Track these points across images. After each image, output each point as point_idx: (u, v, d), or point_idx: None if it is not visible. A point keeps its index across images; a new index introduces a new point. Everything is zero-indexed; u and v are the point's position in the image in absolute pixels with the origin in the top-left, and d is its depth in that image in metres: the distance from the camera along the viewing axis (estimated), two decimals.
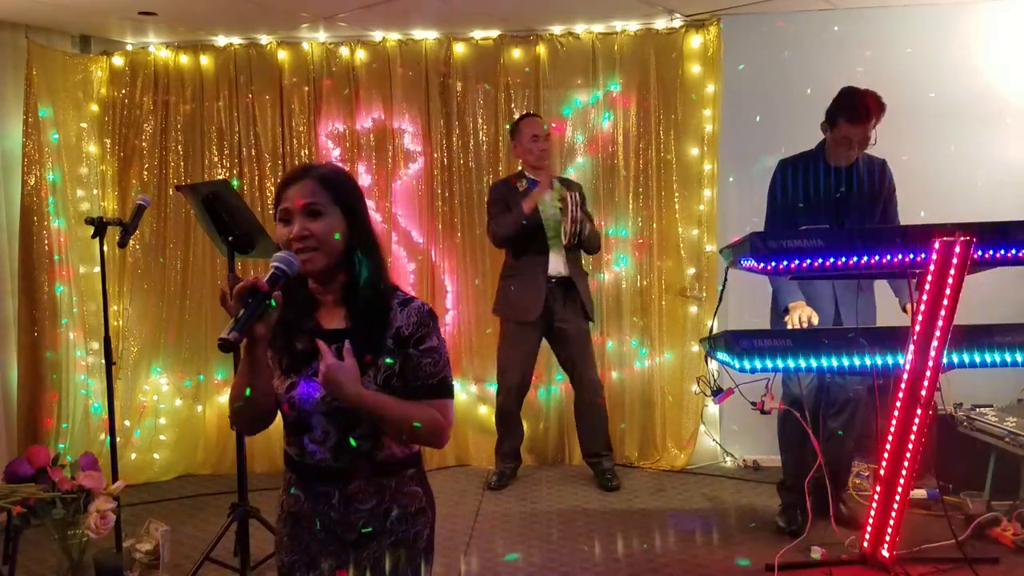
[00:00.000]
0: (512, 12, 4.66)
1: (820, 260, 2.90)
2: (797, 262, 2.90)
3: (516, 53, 4.88)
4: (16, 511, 3.02)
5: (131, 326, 4.89)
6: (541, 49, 4.86)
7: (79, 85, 4.78)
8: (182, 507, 4.33)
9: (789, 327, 3.43)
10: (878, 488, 3.18)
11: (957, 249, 2.86)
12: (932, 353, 2.95)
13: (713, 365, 3.53)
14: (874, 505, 3.22)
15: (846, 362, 3.04)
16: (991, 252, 2.93)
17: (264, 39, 4.92)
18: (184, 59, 4.92)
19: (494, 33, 4.90)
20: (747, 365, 2.99)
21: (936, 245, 2.89)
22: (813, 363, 3.04)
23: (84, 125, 4.83)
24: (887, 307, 3.64)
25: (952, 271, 2.88)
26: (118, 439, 3.83)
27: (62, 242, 4.60)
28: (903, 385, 3.04)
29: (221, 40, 4.93)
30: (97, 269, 4.25)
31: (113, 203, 4.91)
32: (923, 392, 2.98)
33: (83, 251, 4.70)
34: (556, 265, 4.35)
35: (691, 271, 4.83)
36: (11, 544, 3.18)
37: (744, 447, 4.80)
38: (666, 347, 4.87)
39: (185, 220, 4.89)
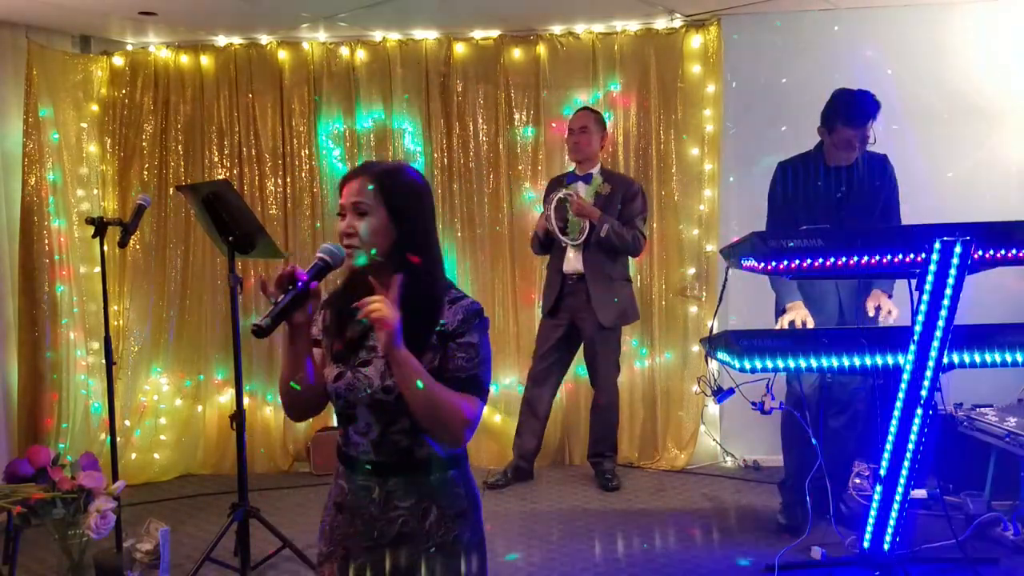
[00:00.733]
0: (512, 12, 4.66)
1: (820, 260, 2.90)
2: (797, 262, 2.90)
3: (516, 53, 4.89)
4: (16, 511, 3.01)
5: (131, 326, 4.89)
6: (541, 49, 4.87)
7: (79, 85, 4.78)
8: (182, 507, 4.33)
9: (778, 327, 3.43)
10: (878, 488, 3.17)
11: (957, 249, 2.86)
12: (932, 353, 2.95)
13: (713, 365, 3.53)
14: (874, 505, 3.21)
15: (846, 362, 3.04)
16: (991, 252, 2.93)
17: (264, 39, 4.92)
18: (184, 59, 4.92)
19: (494, 33, 4.90)
20: (747, 365, 2.99)
21: (936, 245, 2.89)
22: (813, 363, 3.04)
23: (84, 125, 4.83)
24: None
25: (952, 271, 2.88)
26: (118, 439, 3.83)
27: (62, 242, 4.60)
28: (903, 385, 3.04)
29: (221, 40, 4.93)
30: (97, 269, 4.25)
31: (113, 203, 4.91)
32: (923, 392, 2.98)
33: (83, 251, 4.70)
34: (573, 263, 4.35)
35: (691, 271, 4.83)
36: (11, 544, 3.18)
37: (744, 447, 4.80)
38: (666, 347, 4.87)
39: (185, 220, 4.89)
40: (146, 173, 4.90)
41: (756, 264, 2.96)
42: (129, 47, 4.97)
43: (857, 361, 3.05)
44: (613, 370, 4.48)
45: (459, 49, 4.90)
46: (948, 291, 2.89)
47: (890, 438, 3.10)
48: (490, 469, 4.66)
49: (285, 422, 4.94)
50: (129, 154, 4.90)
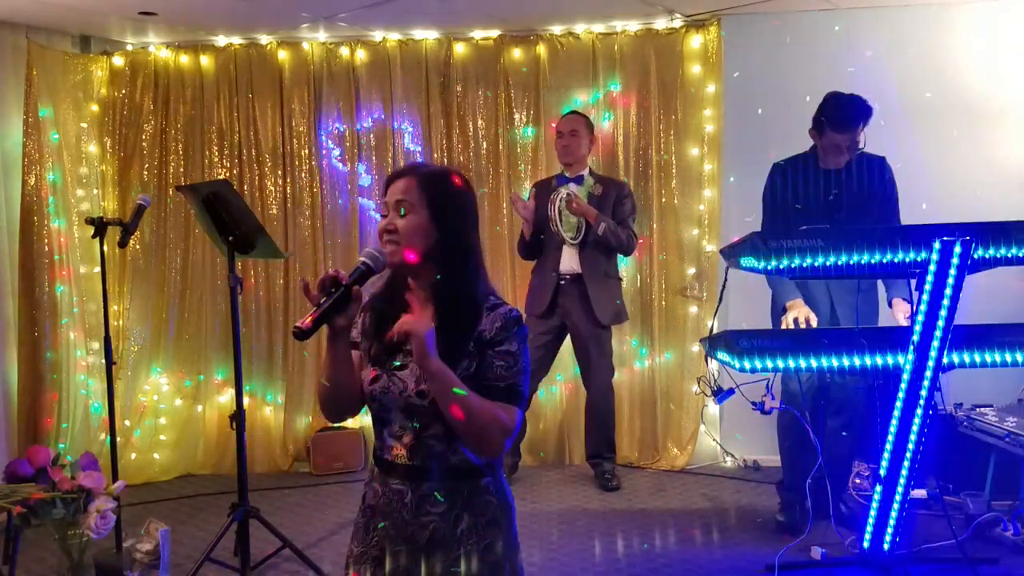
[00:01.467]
0: (512, 12, 4.66)
1: (820, 260, 2.90)
2: (797, 262, 2.90)
3: (516, 53, 4.89)
4: (16, 511, 3.01)
5: (131, 326, 4.89)
6: (541, 49, 4.87)
7: (79, 85, 4.78)
8: (182, 507, 4.33)
9: (783, 327, 3.43)
10: (878, 488, 3.18)
11: (957, 249, 2.86)
12: (932, 353, 2.95)
13: (713, 365, 3.53)
14: (874, 505, 3.21)
15: (846, 362, 3.04)
16: (991, 252, 2.93)
17: (264, 39, 4.92)
18: (184, 59, 4.92)
19: (494, 33, 4.90)
20: (747, 365, 2.99)
21: (936, 245, 2.89)
22: (813, 363, 3.04)
23: (84, 125, 4.83)
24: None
25: (952, 271, 2.88)
26: (118, 439, 3.83)
27: (62, 242, 4.60)
28: (903, 385, 3.04)
29: (221, 40, 4.93)
30: (97, 269, 4.25)
31: (113, 203, 4.91)
32: (923, 392, 2.98)
33: (83, 251, 4.70)
34: (568, 262, 4.36)
35: (691, 271, 4.83)
36: (11, 544, 3.18)
37: (744, 447, 4.80)
38: (666, 347, 4.87)
39: (185, 220, 4.89)
40: (146, 173, 4.90)
41: (756, 264, 2.96)
42: (129, 47, 4.97)
43: (857, 361, 3.05)
44: (608, 371, 4.49)
45: (459, 49, 4.90)
46: (948, 291, 2.89)
47: (890, 438, 3.10)
48: None
49: (285, 422, 4.94)
50: (129, 154, 4.90)
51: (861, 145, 3.50)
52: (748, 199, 4.31)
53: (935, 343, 2.94)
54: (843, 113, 3.45)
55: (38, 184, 4.52)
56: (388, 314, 1.71)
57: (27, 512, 3.04)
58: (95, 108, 4.88)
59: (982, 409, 4.04)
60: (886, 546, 3.17)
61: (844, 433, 3.71)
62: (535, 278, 4.50)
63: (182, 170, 4.92)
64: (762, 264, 2.93)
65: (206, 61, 4.92)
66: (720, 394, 3.39)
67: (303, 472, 4.88)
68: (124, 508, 3.53)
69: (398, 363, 1.70)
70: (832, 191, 3.58)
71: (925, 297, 2.94)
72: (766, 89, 4.66)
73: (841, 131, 3.46)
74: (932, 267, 2.91)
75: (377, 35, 4.92)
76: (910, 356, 3.00)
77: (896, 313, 3.47)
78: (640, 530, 3.84)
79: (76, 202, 4.73)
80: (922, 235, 2.91)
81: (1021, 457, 3.66)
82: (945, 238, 2.88)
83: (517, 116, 4.90)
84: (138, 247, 4.88)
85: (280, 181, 4.94)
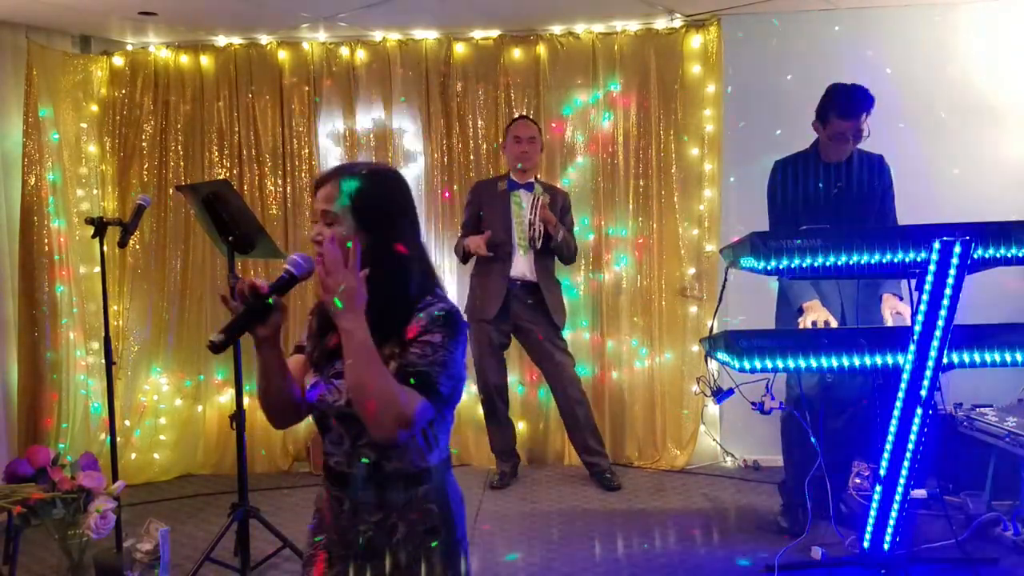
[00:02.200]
0: (512, 12, 4.66)
1: (820, 260, 2.90)
2: (797, 262, 2.90)
3: (516, 53, 4.89)
4: (16, 511, 3.02)
5: (131, 326, 4.89)
6: (541, 49, 4.87)
7: (79, 85, 4.78)
8: (182, 507, 4.33)
9: (800, 327, 3.42)
10: (878, 488, 3.17)
11: (957, 249, 2.86)
12: (932, 353, 2.95)
13: (713, 365, 3.53)
14: (874, 505, 3.21)
15: (846, 362, 3.04)
16: (991, 252, 2.93)
17: (264, 39, 4.92)
18: (184, 59, 4.92)
19: (494, 33, 4.90)
20: (747, 365, 2.99)
21: (936, 245, 2.89)
22: (813, 363, 3.04)
23: (84, 125, 4.83)
24: None
25: (952, 271, 2.88)
26: (118, 439, 3.83)
27: (62, 242, 4.60)
28: (903, 385, 3.04)
29: (221, 40, 4.93)
30: (97, 269, 4.25)
31: (113, 203, 4.91)
32: (923, 392, 2.98)
33: (83, 251, 4.70)
34: (520, 268, 4.37)
35: (691, 271, 4.83)
36: (11, 544, 3.18)
37: (744, 447, 4.80)
38: (666, 347, 4.87)
39: (185, 220, 4.89)
40: (146, 173, 4.90)
41: (756, 264, 2.96)
42: (129, 47, 4.97)
43: (857, 361, 3.05)
44: (574, 365, 4.52)
45: (459, 49, 4.90)
46: (948, 291, 2.89)
47: (890, 438, 3.10)
48: (490, 469, 4.67)
49: None
50: (129, 154, 4.90)
51: (865, 134, 3.51)
52: (748, 199, 4.32)
53: (935, 343, 2.93)
54: (848, 100, 3.48)
55: (38, 184, 4.52)
56: (328, 319, 1.65)
57: (27, 512, 3.05)
58: (95, 108, 4.88)
59: (982, 409, 4.03)
60: (886, 546, 3.17)
61: (844, 433, 3.71)
62: (481, 283, 4.43)
63: (182, 170, 4.92)
64: (762, 264, 2.93)
65: (206, 61, 4.93)
66: (720, 394, 3.39)
67: (303, 472, 4.88)
68: (124, 508, 3.54)
69: (337, 370, 1.64)
70: (836, 185, 3.59)
71: (925, 297, 2.94)
72: (766, 89, 4.66)
73: (846, 117, 3.47)
74: (932, 267, 2.90)
75: (377, 35, 4.92)
76: (910, 356, 3.00)
77: (884, 308, 3.47)
78: (640, 530, 3.84)
79: (76, 202, 4.73)
80: (922, 235, 2.91)
81: (1021, 457, 3.66)
82: (945, 238, 2.88)
83: (517, 116, 4.89)
84: (138, 247, 4.88)
85: (280, 181, 4.94)
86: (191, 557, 3.51)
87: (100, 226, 3.42)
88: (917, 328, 2.96)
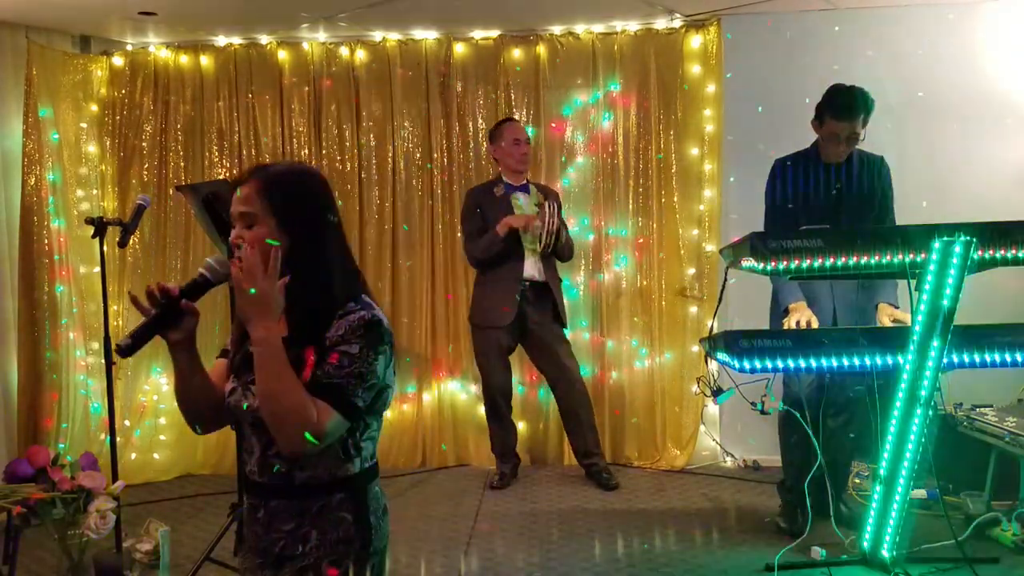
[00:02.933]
0: (512, 12, 4.66)
1: (820, 260, 2.90)
2: (797, 262, 2.90)
3: (516, 53, 4.89)
4: (16, 511, 3.02)
5: (131, 326, 4.86)
6: (541, 49, 4.87)
7: (79, 85, 4.78)
8: (182, 507, 4.33)
9: (784, 327, 3.43)
10: (878, 488, 3.18)
11: (957, 249, 2.86)
12: (932, 353, 2.95)
13: (713, 365, 3.53)
14: (874, 505, 3.22)
15: (846, 362, 3.04)
16: (991, 252, 2.93)
17: (264, 39, 4.92)
18: (184, 59, 4.92)
19: (494, 33, 4.90)
20: (747, 365, 2.99)
21: (936, 245, 2.89)
22: (813, 363, 3.04)
23: (84, 125, 4.83)
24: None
25: (952, 271, 2.88)
26: (118, 439, 3.83)
27: (62, 242, 4.60)
28: (903, 385, 3.04)
29: (221, 40, 4.93)
30: (97, 269, 4.25)
31: (113, 203, 4.91)
32: (923, 392, 2.98)
33: (83, 251, 4.70)
34: (530, 270, 4.37)
35: (691, 271, 4.83)
36: (11, 544, 3.18)
37: (744, 447, 4.79)
38: (666, 347, 4.87)
39: (185, 220, 4.89)
40: (146, 173, 4.90)
41: (755, 264, 2.96)
42: (129, 47, 4.97)
43: (857, 361, 3.05)
44: (577, 365, 4.54)
45: (459, 49, 4.90)
46: (948, 291, 2.89)
47: (890, 438, 3.10)
48: (490, 469, 4.67)
49: None
50: (129, 154, 4.90)
51: (861, 138, 3.51)
52: (748, 199, 4.32)
53: (935, 343, 2.94)
54: (844, 101, 3.46)
55: (38, 184, 4.52)
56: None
57: (27, 512, 3.05)
58: (95, 108, 4.88)
59: (982, 409, 4.03)
60: (886, 546, 3.17)
61: (843, 433, 3.71)
62: (492, 286, 4.40)
63: (182, 170, 4.92)
64: (762, 265, 2.93)
65: (206, 61, 4.93)
66: (720, 394, 3.39)
67: None
68: (124, 508, 3.53)
69: (252, 376, 1.58)
70: (835, 185, 3.59)
71: (925, 297, 2.94)
72: (766, 89, 4.66)
73: (840, 118, 3.46)
74: (932, 267, 2.91)
75: (377, 35, 4.92)
76: (910, 356, 3.00)
77: (881, 317, 3.47)
78: (640, 530, 3.84)
79: (76, 202, 4.73)
80: (922, 235, 2.91)
81: (1021, 457, 3.66)
82: (945, 238, 2.88)
83: (517, 116, 4.89)
84: (138, 247, 4.88)
85: None
86: (191, 557, 3.51)
87: (100, 226, 3.41)
88: (917, 328, 2.97)
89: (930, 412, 3.03)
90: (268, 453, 1.62)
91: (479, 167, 4.92)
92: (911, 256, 2.92)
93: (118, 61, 4.90)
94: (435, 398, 4.99)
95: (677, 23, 4.80)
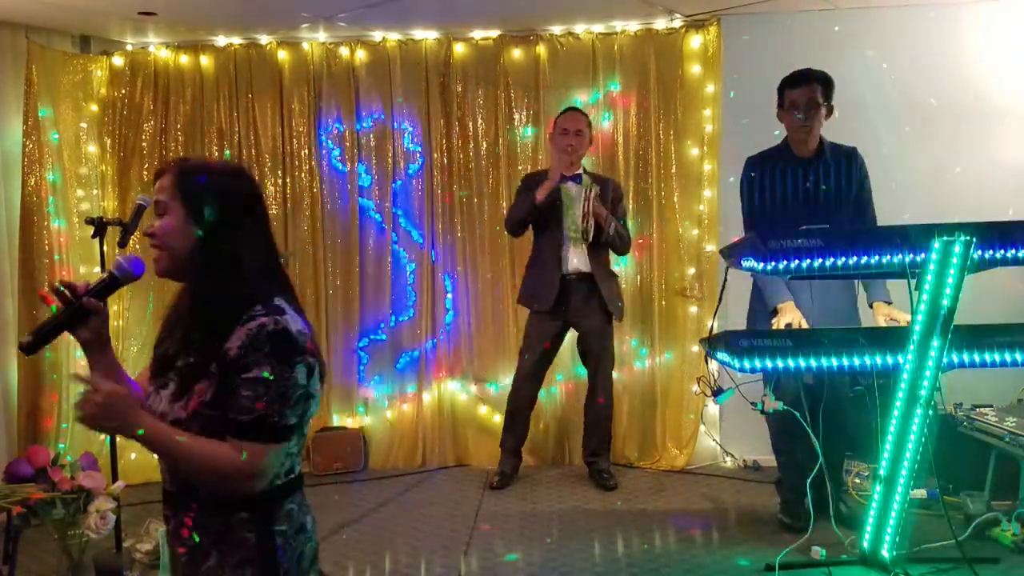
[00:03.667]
0: (512, 12, 4.66)
1: (820, 260, 2.90)
2: (797, 262, 2.91)
3: (516, 53, 4.88)
4: (16, 511, 3.02)
5: (131, 327, 4.88)
6: (541, 49, 4.86)
7: (79, 85, 4.78)
8: None
9: (773, 327, 3.42)
10: (878, 488, 3.18)
11: (957, 249, 2.86)
12: (932, 353, 2.95)
13: (713, 365, 3.53)
14: (874, 505, 3.22)
15: (846, 362, 3.04)
16: (991, 252, 2.94)
17: (264, 39, 4.92)
18: (184, 59, 4.92)
19: (494, 33, 4.90)
20: (747, 365, 2.99)
21: (936, 245, 2.89)
22: (813, 363, 3.04)
23: (84, 125, 4.83)
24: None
25: (952, 271, 2.88)
26: (118, 439, 3.82)
27: (62, 242, 4.60)
28: (903, 385, 3.04)
29: (221, 40, 4.93)
30: (97, 269, 4.24)
31: (113, 203, 4.91)
32: (923, 392, 2.98)
33: (83, 251, 4.70)
34: (574, 260, 4.34)
35: (691, 271, 4.83)
36: (11, 544, 3.18)
37: (744, 447, 4.79)
38: (666, 347, 4.87)
39: None
40: (146, 173, 4.89)
41: (755, 264, 2.96)
42: (129, 47, 4.97)
43: (857, 361, 3.05)
44: (612, 362, 4.52)
45: (459, 49, 4.90)
46: (948, 291, 2.89)
47: (890, 438, 3.10)
48: (490, 469, 4.66)
49: None
50: (129, 154, 4.90)
51: (824, 115, 3.52)
52: None
53: (935, 343, 2.94)
54: (797, 72, 3.55)
55: (38, 184, 4.52)
56: (175, 324, 1.60)
57: (27, 512, 3.05)
58: (95, 108, 4.88)
59: (982, 409, 4.03)
60: (886, 546, 3.17)
61: (838, 432, 3.70)
62: (534, 275, 4.45)
63: None
64: (762, 264, 2.93)
65: (206, 61, 4.92)
66: (720, 394, 3.39)
67: (302, 472, 4.86)
68: (124, 508, 3.53)
69: (163, 381, 1.55)
70: (808, 178, 3.58)
71: (925, 297, 2.94)
72: (766, 89, 4.62)
73: (796, 85, 3.52)
74: (932, 267, 2.91)
75: (377, 35, 4.92)
76: (910, 356, 3.00)
77: (877, 316, 3.47)
78: (640, 530, 3.84)
79: (76, 202, 4.73)
80: (922, 235, 2.91)
81: (1021, 457, 3.66)
82: (945, 238, 2.88)
83: (517, 116, 4.90)
84: (138, 247, 4.87)
85: (280, 181, 4.94)
86: None
87: (100, 226, 3.41)
88: (917, 328, 2.97)
89: (930, 412, 3.03)
90: (170, 464, 1.58)
91: (479, 167, 4.92)
92: (911, 256, 2.93)
93: (118, 61, 4.90)
94: (435, 398, 4.99)
95: (677, 23, 4.80)
